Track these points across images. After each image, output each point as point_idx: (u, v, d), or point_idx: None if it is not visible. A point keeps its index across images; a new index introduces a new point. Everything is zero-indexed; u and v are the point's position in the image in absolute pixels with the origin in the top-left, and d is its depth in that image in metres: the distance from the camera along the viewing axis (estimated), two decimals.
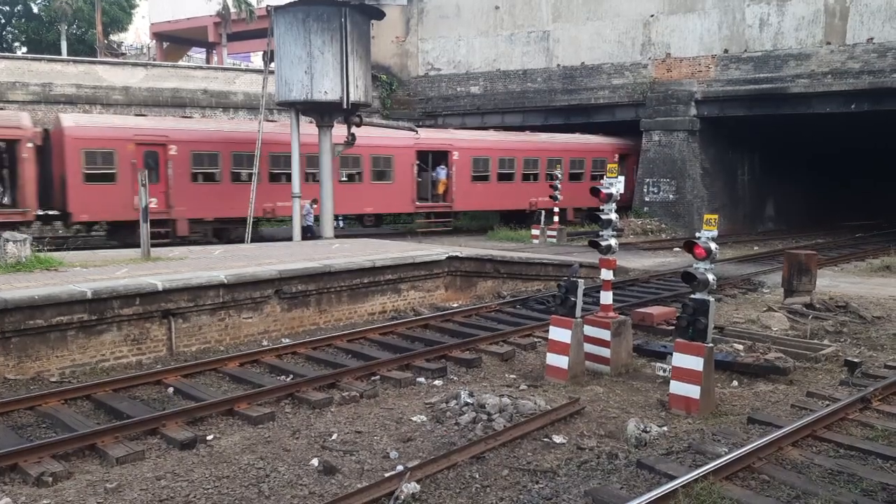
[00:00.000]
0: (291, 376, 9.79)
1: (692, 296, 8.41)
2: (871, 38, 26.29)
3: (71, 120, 20.76)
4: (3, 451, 6.82)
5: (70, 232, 22.94)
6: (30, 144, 20.05)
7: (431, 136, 28.06)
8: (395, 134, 26.33)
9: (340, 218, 26.75)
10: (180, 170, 21.80)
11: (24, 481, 6.52)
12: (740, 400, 8.86)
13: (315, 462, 6.87)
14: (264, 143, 22.17)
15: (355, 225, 27.92)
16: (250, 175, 22.18)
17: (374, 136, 24.98)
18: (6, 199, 20.59)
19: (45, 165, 20.70)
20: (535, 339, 11.74)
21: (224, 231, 22.90)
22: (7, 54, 32.94)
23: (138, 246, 15.13)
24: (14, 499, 6.14)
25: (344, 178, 24.83)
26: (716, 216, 8.61)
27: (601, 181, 10.16)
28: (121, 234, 21.01)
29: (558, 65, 32.86)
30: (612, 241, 9.73)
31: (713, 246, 8.31)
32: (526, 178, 29.44)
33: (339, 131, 22.63)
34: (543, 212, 25.45)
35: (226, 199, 22.52)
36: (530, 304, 14.73)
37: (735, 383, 9.56)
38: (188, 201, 21.83)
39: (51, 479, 6.47)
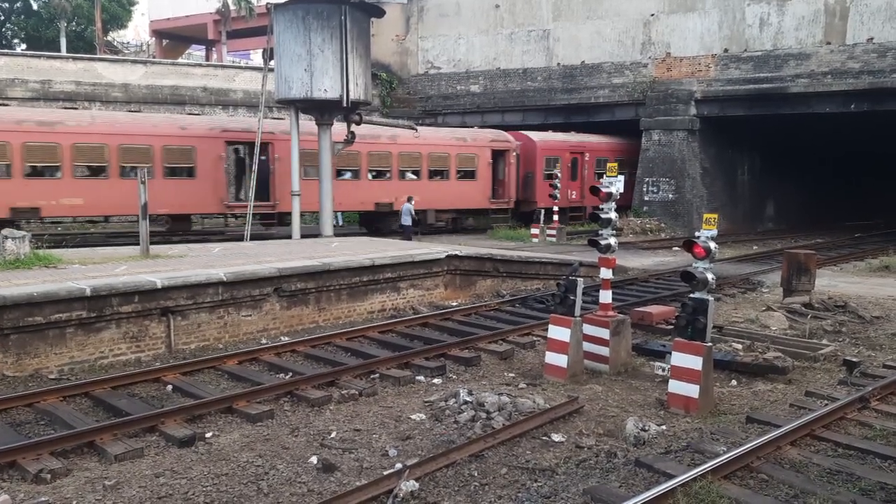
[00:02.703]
0: (290, 374, 9.78)
1: (691, 295, 8.41)
2: (871, 38, 26.31)
3: (537, 136, 30.57)
4: (2, 448, 6.80)
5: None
6: (514, 153, 29.36)
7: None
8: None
9: (339, 214, 27.12)
10: (590, 171, 30.84)
11: (23, 478, 6.52)
12: (739, 399, 8.87)
13: (314, 460, 6.87)
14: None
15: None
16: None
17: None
18: (497, 192, 29.17)
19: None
20: (535, 338, 11.74)
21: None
22: (6, 51, 32.89)
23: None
24: (13, 496, 6.13)
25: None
26: (715, 215, 8.61)
27: (600, 181, 10.17)
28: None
29: (558, 64, 32.87)
30: (612, 240, 9.73)
31: (713, 245, 8.31)
32: None
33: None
34: (543, 210, 25.53)
35: None
36: (529, 302, 14.74)
37: (734, 382, 9.57)
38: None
39: (49, 476, 6.46)
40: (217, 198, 22.83)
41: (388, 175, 26.31)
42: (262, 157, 23.17)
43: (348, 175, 25.35)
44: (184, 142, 22.23)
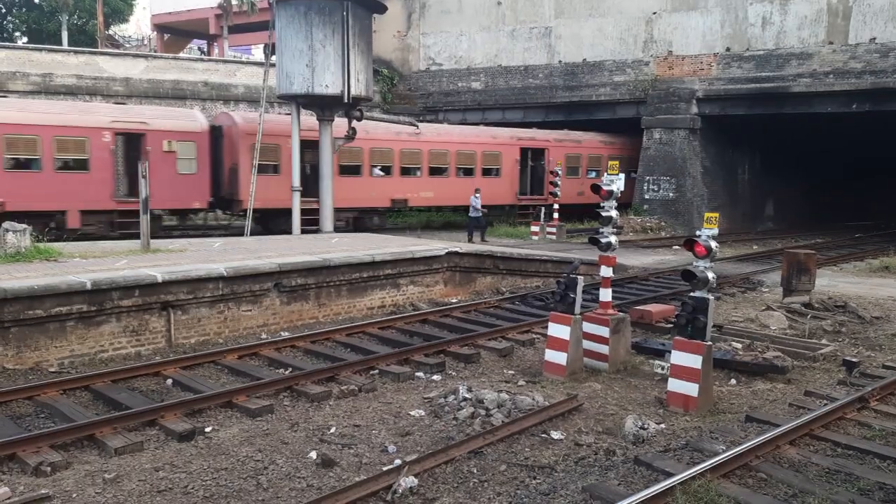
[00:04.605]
0: (290, 369, 9.80)
1: (691, 294, 8.42)
2: (874, 38, 26.26)
3: None
4: (2, 440, 6.82)
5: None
6: None
7: None
8: None
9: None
10: None
11: (23, 471, 6.53)
12: (738, 398, 8.88)
13: (313, 455, 6.88)
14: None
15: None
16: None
17: None
18: None
19: None
20: (534, 336, 11.76)
21: None
22: (7, 44, 32.84)
23: None
24: (12, 488, 6.14)
25: None
26: (716, 214, 8.62)
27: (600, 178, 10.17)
28: None
29: (560, 61, 32.82)
30: (612, 239, 9.74)
31: (713, 244, 8.31)
32: None
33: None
34: (543, 208, 25.55)
35: None
36: (529, 300, 14.74)
37: (733, 382, 9.58)
38: None
39: (49, 468, 6.48)
40: (513, 192, 28.92)
41: (578, 173, 31.34)
42: (541, 162, 29.35)
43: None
44: (494, 148, 28.61)
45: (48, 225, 19.50)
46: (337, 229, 23.02)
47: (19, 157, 19.93)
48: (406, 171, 26.19)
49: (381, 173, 25.82)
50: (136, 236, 18.33)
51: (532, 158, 29.78)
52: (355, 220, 25.11)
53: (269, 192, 21.97)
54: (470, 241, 22.07)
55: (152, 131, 21.23)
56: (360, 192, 24.76)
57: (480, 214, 23.63)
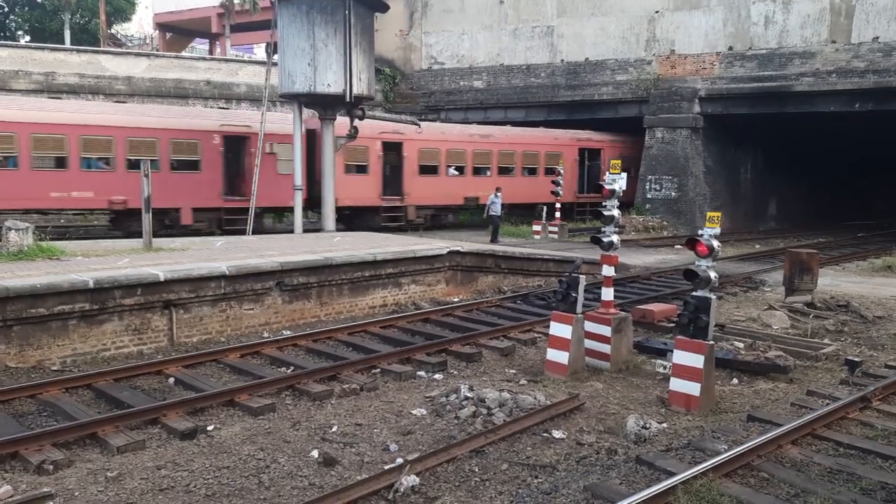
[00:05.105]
0: (292, 368, 9.80)
1: (694, 293, 8.41)
2: (877, 38, 26.22)
3: None
4: (4, 438, 6.83)
5: None
6: None
7: None
8: None
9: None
10: None
11: (25, 469, 6.54)
12: (740, 398, 8.87)
13: (315, 454, 6.88)
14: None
15: None
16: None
17: None
18: None
19: None
20: (536, 335, 11.75)
21: None
22: (10, 43, 32.89)
23: None
24: (15, 486, 6.15)
25: None
26: (718, 214, 8.61)
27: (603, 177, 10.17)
28: None
29: (562, 60, 32.79)
30: (615, 238, 9.73)
31: (715, 243, 8.30)
32: None
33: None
34: (545, 207, 25.54)
35: None
36: (531, 299, 14.74)
37: (735, 381, 9.57)
38: None
39: (51, 466, 6.49)
40: (572, 190, 30.44)
41: (630, 172, 33.16)
42: (597, 162, 30.97)
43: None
44: (556, 148, 30.02)
45: (164, 221, 20.66)
46: (416, 226, 25.45)
47: (140, 159, 20.67)
48: (477, 171, 28.21)
49: (456, 173, 27.81)
50: (241, 232, 20.32)
51: (589, 158, 31.27)
52: (432, 217, 27.03)
53: (357, 192, 23.64)
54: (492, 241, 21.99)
55: (256, 134, 22.31)
56: (438, 191, 26.98)
57: (498, 215, 23.37)
